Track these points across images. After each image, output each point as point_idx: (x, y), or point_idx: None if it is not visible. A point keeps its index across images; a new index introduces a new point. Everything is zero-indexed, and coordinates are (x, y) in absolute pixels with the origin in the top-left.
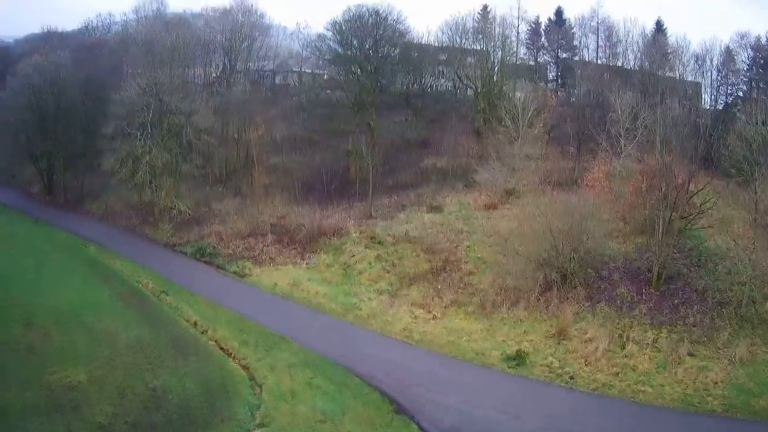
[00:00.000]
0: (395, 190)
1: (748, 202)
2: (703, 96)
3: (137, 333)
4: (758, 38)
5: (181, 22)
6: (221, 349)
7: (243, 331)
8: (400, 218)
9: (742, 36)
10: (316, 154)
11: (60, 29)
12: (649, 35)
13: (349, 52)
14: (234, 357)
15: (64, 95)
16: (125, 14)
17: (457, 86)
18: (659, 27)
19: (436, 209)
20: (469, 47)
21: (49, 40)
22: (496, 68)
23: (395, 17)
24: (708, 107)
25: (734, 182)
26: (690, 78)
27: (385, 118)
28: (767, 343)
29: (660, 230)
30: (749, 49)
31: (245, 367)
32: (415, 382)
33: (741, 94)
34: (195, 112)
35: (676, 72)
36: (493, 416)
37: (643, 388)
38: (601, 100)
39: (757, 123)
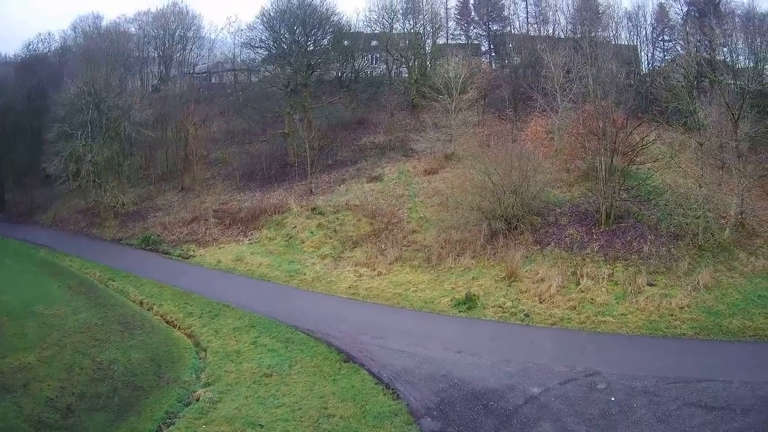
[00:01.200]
0: (335, 167)
1: (691, 138)
2: (641, 58)
3: (85, 316)
4: None
5: (117, 29)
6: (166, 322)
7: (188, 303)
8: (341, 190)
9: None
10: (255, 145)
11: (2, 54)
12: None
13: (281, 45)
14: (179, 327)
15: (8, 112)
16: (64, 32)
17: (390, 68)
18: None
19: (376, 179)
20: (399, 30)
21: None
22: (429, 48)
23: (324, 4)
24: (645, 70)
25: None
26: (625, 41)
27: (320, 102)
28: (731, 269)
29: (603, 168)
30: (682, 3)
31: (190, 335)
32: (363, 332)
33: (679, 49)
34: (132, 107)
35: (610, 33)
36: (447, 356)
37: (603, 319)
38: (534, 60)
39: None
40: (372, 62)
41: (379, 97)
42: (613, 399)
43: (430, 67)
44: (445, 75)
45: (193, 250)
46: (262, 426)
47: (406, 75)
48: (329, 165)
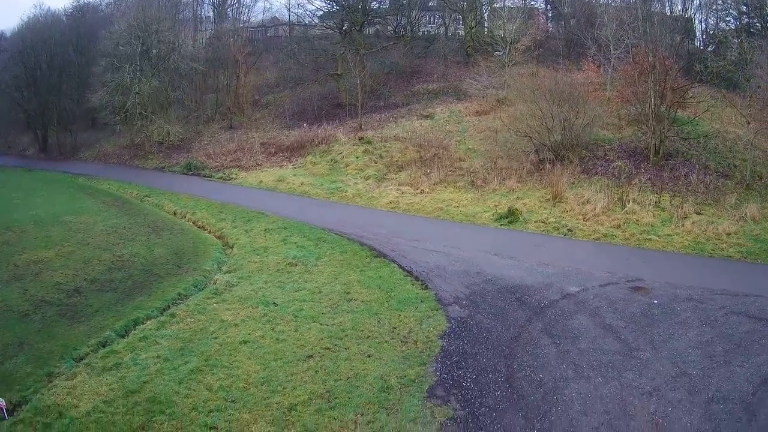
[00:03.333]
0: (386, 109)
1: (742, 99)
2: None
3: (114, 222)
4: None
5: None
6: (198, 227)
7: (222, 212)
8: (390, 126)
9: None
10: (307, 89)
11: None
12: None
13: (338, 4)
14: (209, 230)
15: (55, 56)
16: None
17: (447, 24)
18: None
19: (426, 117)
20: None
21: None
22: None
23: None
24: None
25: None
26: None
27: (375, 47)
28: None
29: (653, 103)
30: None
31: (220, 236)
32: (398, 235)
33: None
34: (184, 42)
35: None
36: (484, 258)
37: (648, 237)
38: (588, 14)
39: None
40: (429, 20)
41: (433, 50)
42: (655, 302)
43: (487, 25)
44: (501, 30)
45: (235, 174)
46: (276, 304)
47: (462, 32)
48: (380, 107)
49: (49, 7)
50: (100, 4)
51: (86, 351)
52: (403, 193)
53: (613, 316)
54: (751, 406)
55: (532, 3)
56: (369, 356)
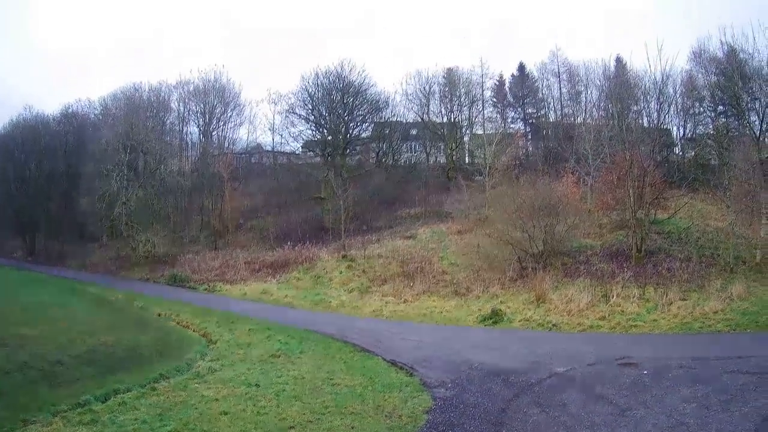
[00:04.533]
0: (369, 232)
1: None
2: (675, 140)
3: (101, 315)
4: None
5: (158, 95)
6: (182, 326)
7: (206, 315)
8: (374, 246)
9: (698, 54)
10: (291, 213)
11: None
12: (612, 71)
13: (321, 131)
14: (193, 329)
15: (43, 161)
16: (103, 98)
17: (428, 152)
18: (620, 62)
19: (409, 237)
20: (436, 109)
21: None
22: (466, 136)
23: (364, 85)
24: (678, 151)
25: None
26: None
27: (358, 178)
28: (765, 285)
29: (633, 203)
30: (711, 73)
31: (204, 334)
32: (383, 335)
33: (710, 125)
34: (169, 155)
35: (643, 108)
36: (469, 351)
37: (635, 323)
38: (566, 128)
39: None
40: (411, 148)
41: (415, 176)
42: (645, 372)
43: (468, 149)
44: (481, 155)
45: (220, 287)
46: (258, 386)
47: (442, 159)
48: (363, 230)
49: (38, 111)
50: (89, 114)
51: (64, 408)
52: (387, 303)
53: (603, 387)
54: None
55: (511, 126)
56: (352, 428)
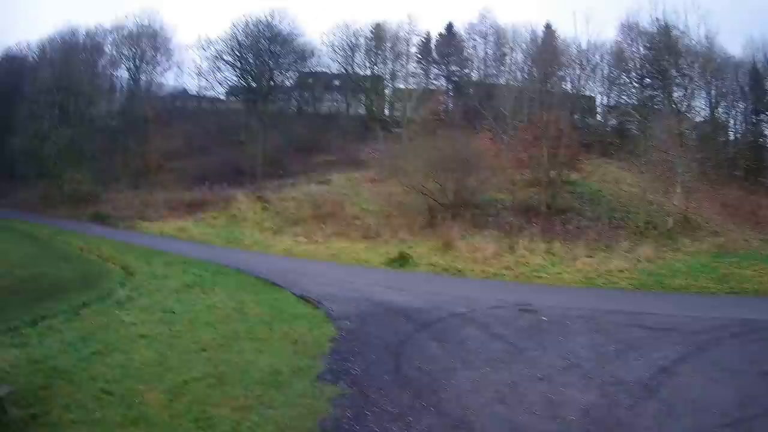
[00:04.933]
0: (285, 177)
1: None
2: (598, 107)
3: (27, 250)
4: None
5: (93, 41)
6: (103, 259)
7: (127, 250)
8: (288, 190)
9: (627, 26)
10: (211, 156)
11: None
12: (540, 36)
13: (245, 78)
14: (113, 263)
15: None
16: (42, 41)
17: (348, 104)
18: (549, 29)
19: (323, 183)
20: (361, 72)
21: None
22: (388, 90)
23: (292, 35)
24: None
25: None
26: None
27: (278, 124)
28: (675, 250)
29: (547, 161)
30: (641, 46)
31: (123, 267)
32: (292, 272)
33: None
34: (99, 95)
35: (568, 74)
36: (374, 289)
37: (539, 275)
38: (488, 87)
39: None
40: (332, 98)
41: (335, 126)
42: (544, 318)
43: (388, 102)
44: (401, 109)
45: (140, 224)
46: (174, 312)
47: (363, 111)
48: (280, 175)
49: None
50: (27, 57)
51: None
52: (298, 242)
53: (502, 328)
54: (650, 386)
55: (434, 83)
56: (261, 351)
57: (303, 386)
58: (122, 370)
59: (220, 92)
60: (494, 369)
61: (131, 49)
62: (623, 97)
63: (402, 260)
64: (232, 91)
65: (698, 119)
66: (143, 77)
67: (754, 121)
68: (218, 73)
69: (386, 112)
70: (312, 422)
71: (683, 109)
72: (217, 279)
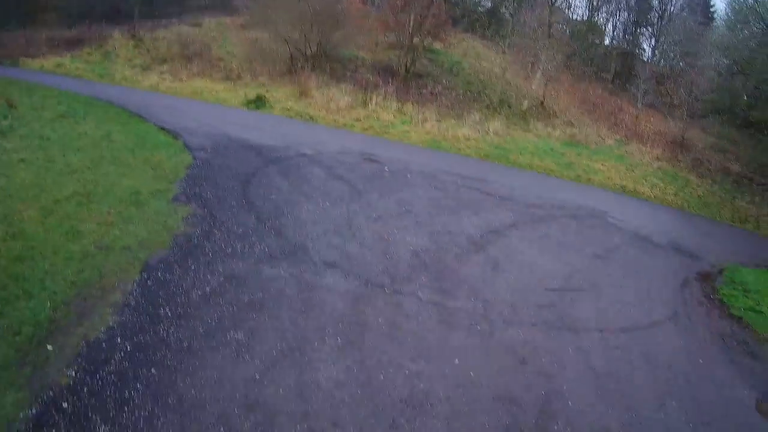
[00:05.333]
0: (160, 18)
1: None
2: None
3: None
4: None
5: None
6: None
7: (10, 84)
8: (161, 31)
9: None
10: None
11: None
12: None
13: None
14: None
15: None
16: None
17: None
18: None
19: (195, 26)
20: None
21: None
22: None
23: None
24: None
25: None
26: None
27: None
28: (525, 131)
29: (411, 27)
30: None
31: (7, 101)
32: (155, 105)
33: None
34: None
35: None
36: (229, 127)
37: (388, 131)
38: None
39: None
40: None
41: None
42: (386, 169)
43: None
44: None
45: (22, 61)
46: (49, 139)
47: None
48: (156, 16)
49: None
50: None
51: None
52: (164, 79)
53: (345, 172)
54: (479, 243)
55: None
56: (124, 175)
57: (160, 206)
58: (3, 191)
59: None
60: (333, 205)
61: None
62: None
63: (259, 102)
64: None
65: (575, 17)
66: None
67: (633, 32)
68: None
69: None
70: (167, 237)
71: (559, 3)
72: (88, 110)
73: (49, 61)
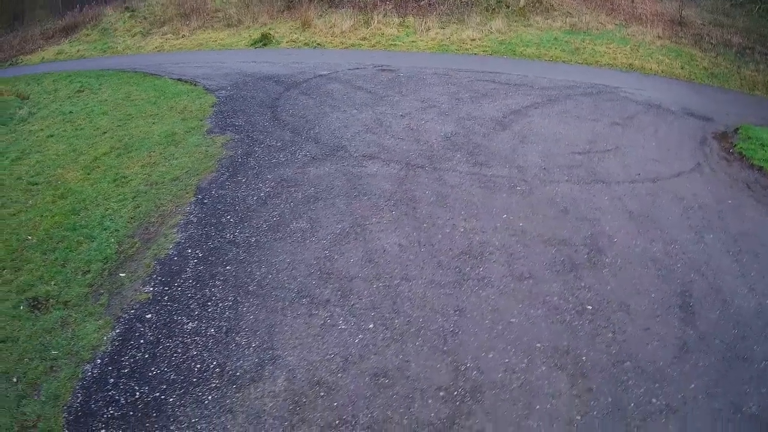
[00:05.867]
0: None
1: None
2: None
3: None
4: None
5: None
6: None
7: (14, 81)
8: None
9: None
10: None
11: None
12: None
13: None
14: (5, 93)
15: None
16: None
17: None
18: None
19: None
20: None
21: None
22: None
23: None
24: None
25: None
26: None
27: None
28: (527, 26)
29: None
30: None
31: (17, 94)
32: (166, 63)
33: None
34: None
35: None
36: (243, 65)
37: (394, 44)
38: None
39: None
40: None
41: None
42: (402, 75)
43: None
44: None
45: (21, 59)
46: (71, 112)
47: None
48: None
49: None
50: None
51: None
52: (167, 40)
53: (363, 82)
54: (503, 122)
55: None
56: (153, 123)
57: (197, 140)
58: (40, 165)
59: None
60: (360, 110)
61: None
62: None
63: (265, 40)
64: None
65: None
66: None
67: None
68: None
69: None
70: (212, 162)
71: None
72: (102, 81)
73: (49, 52)
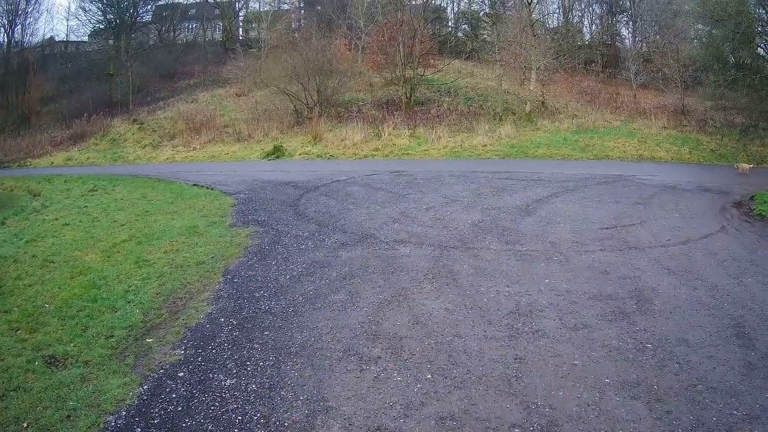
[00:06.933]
0: (154, 102)
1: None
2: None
3: None
4: None
5: None
6: (5, 189)
7: (25, 180)
8: (160, 112)
9: None
10: (83, 94)
11: None
12: None
13: (107, 15)
14: (19, 190)
15: None
16: None
17: (205, 30)
18: None
19: (191, 102)
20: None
21: None
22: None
23: None
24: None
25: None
26: None
27: (141, 55)
28: (534, 130)
29: (403, 56)
30: None
31: (29, 191)
32: (180, 172)
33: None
34: None
35: None
36: (258, 174)
37: (407, 153)
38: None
39: None
40: (189, 27)
41: (194, 50)
42: (419, 179)
43: (242, 27)
44: (255, 30)
45: (29, 161)
46: (86, 206)
47: (219, 36)
48: (148, 101)
49: None
50: None
51: None
52: (178, 151)
53: (381, 185)
54: (528, 209)
55: (285, 2)
56: (173, 219)
57: (220, 231)
58: (57, 247)
59: (87, 31)
60: (383, 206)
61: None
62: (473, 5)
63: (277, 152)
64: (95, 33)
65: (551, 24)
66: (17, 30)
67: (609, 22)
68: (83, 16)
69: (240, 35)
70: (238, 249)
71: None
72: (115, 183)
73: (57, 157)
